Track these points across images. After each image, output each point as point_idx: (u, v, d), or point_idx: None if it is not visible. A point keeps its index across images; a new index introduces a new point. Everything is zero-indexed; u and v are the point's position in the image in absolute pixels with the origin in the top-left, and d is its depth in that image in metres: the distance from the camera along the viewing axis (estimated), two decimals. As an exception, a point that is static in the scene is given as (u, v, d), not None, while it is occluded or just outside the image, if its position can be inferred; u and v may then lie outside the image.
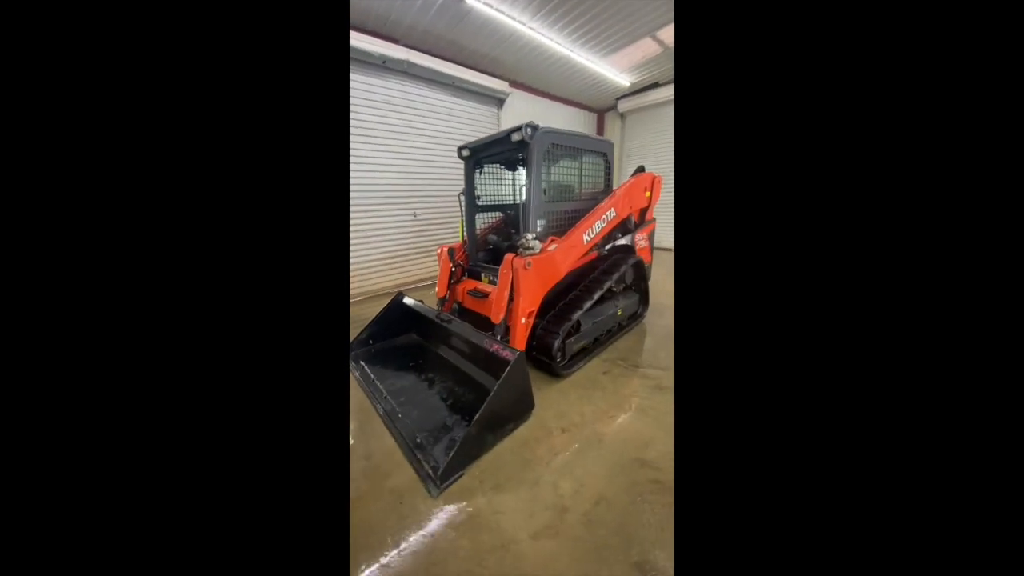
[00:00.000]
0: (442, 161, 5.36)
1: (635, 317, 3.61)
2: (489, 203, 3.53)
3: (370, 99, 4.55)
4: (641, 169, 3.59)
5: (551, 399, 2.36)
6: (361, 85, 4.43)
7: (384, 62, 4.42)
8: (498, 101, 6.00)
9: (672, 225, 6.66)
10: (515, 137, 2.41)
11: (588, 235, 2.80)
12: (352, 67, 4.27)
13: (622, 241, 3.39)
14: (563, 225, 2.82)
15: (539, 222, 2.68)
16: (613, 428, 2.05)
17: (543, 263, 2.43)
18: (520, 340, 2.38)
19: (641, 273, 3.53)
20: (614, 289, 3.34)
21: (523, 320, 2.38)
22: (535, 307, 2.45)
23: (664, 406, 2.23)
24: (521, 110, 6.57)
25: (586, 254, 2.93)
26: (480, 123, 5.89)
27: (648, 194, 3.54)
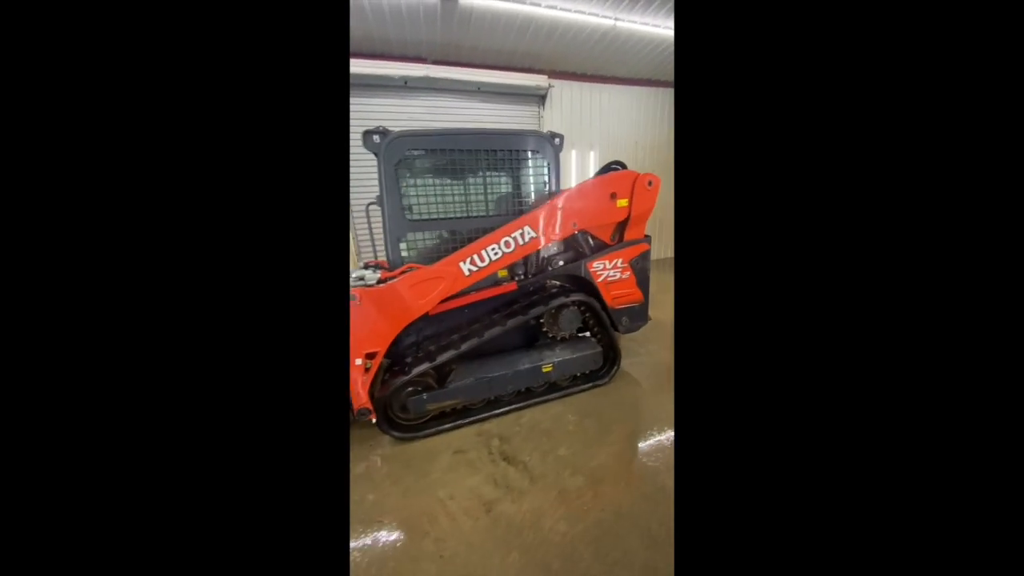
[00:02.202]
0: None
1: (590, 378, 2.54)
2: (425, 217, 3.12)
3: (396, 120, 4.91)
4: (614, 166, 2.47)
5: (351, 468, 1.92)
6: (385, 108, 4.83)
7: (406, 82, 4.67)
8: (537, 99, 5.41)
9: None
10: (367, 146, 2.06)
11: (472, 264, 2.12)
12: (375, 93, 4.71)
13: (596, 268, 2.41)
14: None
15: (402, 245, 2.21)
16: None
17: (380, 297, 1.99)
18: (356, 384, 2.03)
19: (597, 317, 2.44)
20: (552, 335, 2.46)
21: (357, 362, 2.02)
22: (376, 348, 2.04)
23: (454, 542, 1.44)
24: (572, 103, 5.73)
25: (474, 286, 2.24)
26: (521, 127, 5.47)
27: (624, 203, 2.39)
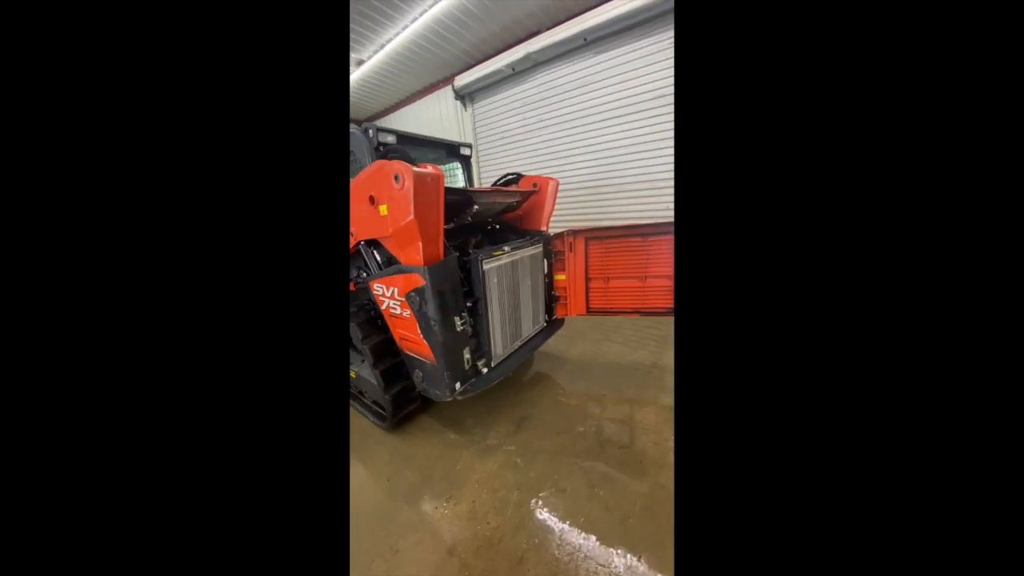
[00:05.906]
0: (624, 137, 4.22)
1: (379, 414, 2.17)
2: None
3: (512, 110, 4.99)
4: (385, 155, 1.66)
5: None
6: (496, 104, 5.03)
7: (513, 69, 4.62)
8: (663, 14, 3.38)
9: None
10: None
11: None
12: (488, 91, 4.99)
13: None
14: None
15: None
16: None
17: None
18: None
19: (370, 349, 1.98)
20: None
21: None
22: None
23: None
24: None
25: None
26: (655, 67, 3.75)
27: (385, 210, 1.65)
